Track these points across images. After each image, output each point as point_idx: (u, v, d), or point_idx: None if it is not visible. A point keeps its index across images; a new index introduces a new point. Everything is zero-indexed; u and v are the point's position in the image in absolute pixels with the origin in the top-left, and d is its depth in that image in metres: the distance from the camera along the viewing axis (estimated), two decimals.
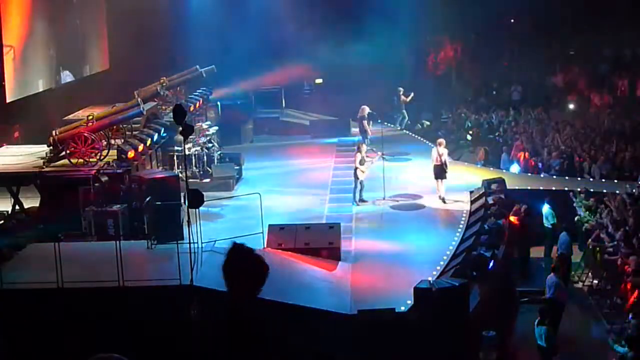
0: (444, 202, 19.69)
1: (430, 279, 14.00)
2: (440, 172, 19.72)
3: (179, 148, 20.55)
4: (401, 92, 27.84)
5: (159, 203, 15.92)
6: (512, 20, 35.23)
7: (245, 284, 3.16)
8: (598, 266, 17.49)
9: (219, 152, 22.59)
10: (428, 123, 29.08)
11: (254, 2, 29.84)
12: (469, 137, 26.76)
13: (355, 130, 26.07)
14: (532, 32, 34.17)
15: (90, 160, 17.56)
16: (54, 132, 18.36)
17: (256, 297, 3.23)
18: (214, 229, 16.91)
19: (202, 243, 14.41)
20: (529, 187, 20.00)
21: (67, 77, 24.52)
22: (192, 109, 22.65)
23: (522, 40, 34.02)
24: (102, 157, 17.74)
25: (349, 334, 12.92)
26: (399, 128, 27.95)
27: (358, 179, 19.82)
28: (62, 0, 24.50)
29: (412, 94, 27.51)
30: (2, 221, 17.54)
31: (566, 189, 20.22)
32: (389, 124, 27.23)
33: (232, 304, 3.10)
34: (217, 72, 23.65)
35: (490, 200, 18.60)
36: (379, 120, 23.41)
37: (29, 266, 14.48)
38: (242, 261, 3.13)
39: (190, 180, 18.44)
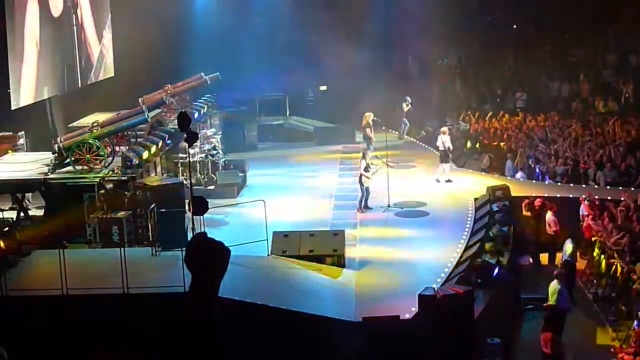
0: (448, 181, 21.90)
1: (434, 286, 13.98)
2: (444, 156, 22.20)
3: (184, 155, 20.61)
4: (407, 102, 27.81)
5: (164, 210, 15.94)
6: (516, 27, 35.20)
7: (209, 272, 3.22)
8: (603, 273, 17.44)
9: (223, 159, 22.62)
10: (431, 130, 29.03)
11: (259, 9, 29.90)
12: (475, 145, 26.72)
13: (359, 137, 26.08)
14: (536, 38, 34.17)
15: (95, 167, 17.59)
16: (58, 139, 18.41)
17: (218, 287, 3.28)
18: (218, 236, 16.80)
19: None
20: (533, 194, 19.95)
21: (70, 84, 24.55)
22: (196, 116, 22.67)
23: (526, 47, 34.00)
24: (106, 164, 17.77)
25: (353, 341, 12.90)
26: (404, 137, 27.89)
27: (363, 185, 19.83)
28: (68, 7, 24.54)
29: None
30: (7, 228, 17.56)
31: (571, 196, 20.19)
32: (393, 131, 27.22)
33: (194, 301, 3.14)
34: (221, 79, 23.68)
35: (494, 207, 18.58)
36: (383, 128, 23.45)
37: (34, 273, 14.51)
38: (202, 249, 3.19)
39: (194, 187, 18.44)
